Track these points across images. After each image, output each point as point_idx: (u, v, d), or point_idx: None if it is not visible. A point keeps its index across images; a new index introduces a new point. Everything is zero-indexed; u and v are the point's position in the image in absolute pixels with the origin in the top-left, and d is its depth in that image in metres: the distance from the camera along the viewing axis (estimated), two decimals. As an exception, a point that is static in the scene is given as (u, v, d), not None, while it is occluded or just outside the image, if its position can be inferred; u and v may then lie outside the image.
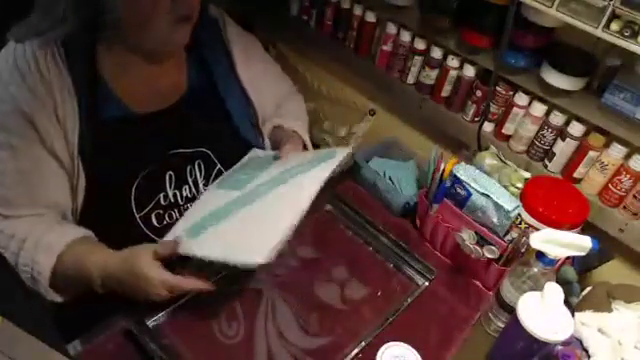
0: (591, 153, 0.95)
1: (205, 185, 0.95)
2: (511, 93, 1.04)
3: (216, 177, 0.96)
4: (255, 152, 1.02)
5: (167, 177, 0.90)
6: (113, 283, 0.79)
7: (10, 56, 0.80)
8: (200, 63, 0.97)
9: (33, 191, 0.82)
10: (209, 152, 0.95)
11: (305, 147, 1.10)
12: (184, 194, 0.92)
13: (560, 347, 0.81)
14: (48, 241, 0.81)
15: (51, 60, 0.80)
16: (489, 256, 0.92)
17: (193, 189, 0.93)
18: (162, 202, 0.90)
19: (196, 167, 0.94)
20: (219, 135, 0.97)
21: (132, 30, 0.82)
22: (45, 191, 0.83)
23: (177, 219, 0.91)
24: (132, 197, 0.87)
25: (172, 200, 0.91)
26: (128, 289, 0.77)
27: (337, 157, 0.87)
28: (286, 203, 0.80)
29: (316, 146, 1.32)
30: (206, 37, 0.98)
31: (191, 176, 0.93)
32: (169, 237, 0.82)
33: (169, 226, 0.90)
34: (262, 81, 1.07)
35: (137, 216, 0.88)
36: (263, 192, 0.84)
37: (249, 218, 0.80)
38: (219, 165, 0.96)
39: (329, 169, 0.84)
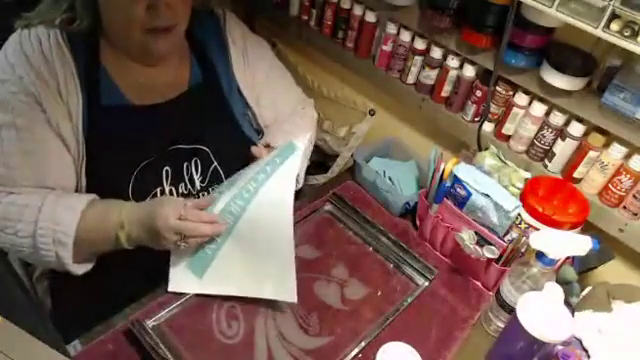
0: (591, 153, 0.95)
1: (202, 182, 0.95)
2: (511, 93, 1.04)
3: (212, 175, 0.96)
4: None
5: (164, 172, 0.90)
6: (135, 228, 0.80)
7: (16, 41, 0.83)
8: (204, 61, 0.97)
9: (38, 172, 0.83)
10: (207, 150, 0.94)
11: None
12: (180, 191, 0.92)
13: (560, 347, 0.81)
14: (68, 201, 0.82)
15: (54, 43, 0.83)
16: (489, 256, 0.92)
17: (189, 186, 0.93)
18: (158, 196, 0.90)
19: (192, 164, 0.93)
20: (219, 133, 0.97)
21: (113, 38, 0.86)
22: (50, 172, 0.83)
23: None
24: (129, 189, 0.87)
25: (168, 196, 0.91)
26: (147, 235, 0.80)
27: (297, 152, 0.89)
28: (274, 230, 0.86)
29: (315, 147, 1.32)
30: (208, 36, 0.98)
31: (187, 173, 0.93)
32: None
33: None
34: (263, 87, 1.06)
35: None
36: (239, 211, 0.85)
37: (245, 249, 0.86)
38: (215, 163, 0.95)
39: (295, 166, 0.88)
